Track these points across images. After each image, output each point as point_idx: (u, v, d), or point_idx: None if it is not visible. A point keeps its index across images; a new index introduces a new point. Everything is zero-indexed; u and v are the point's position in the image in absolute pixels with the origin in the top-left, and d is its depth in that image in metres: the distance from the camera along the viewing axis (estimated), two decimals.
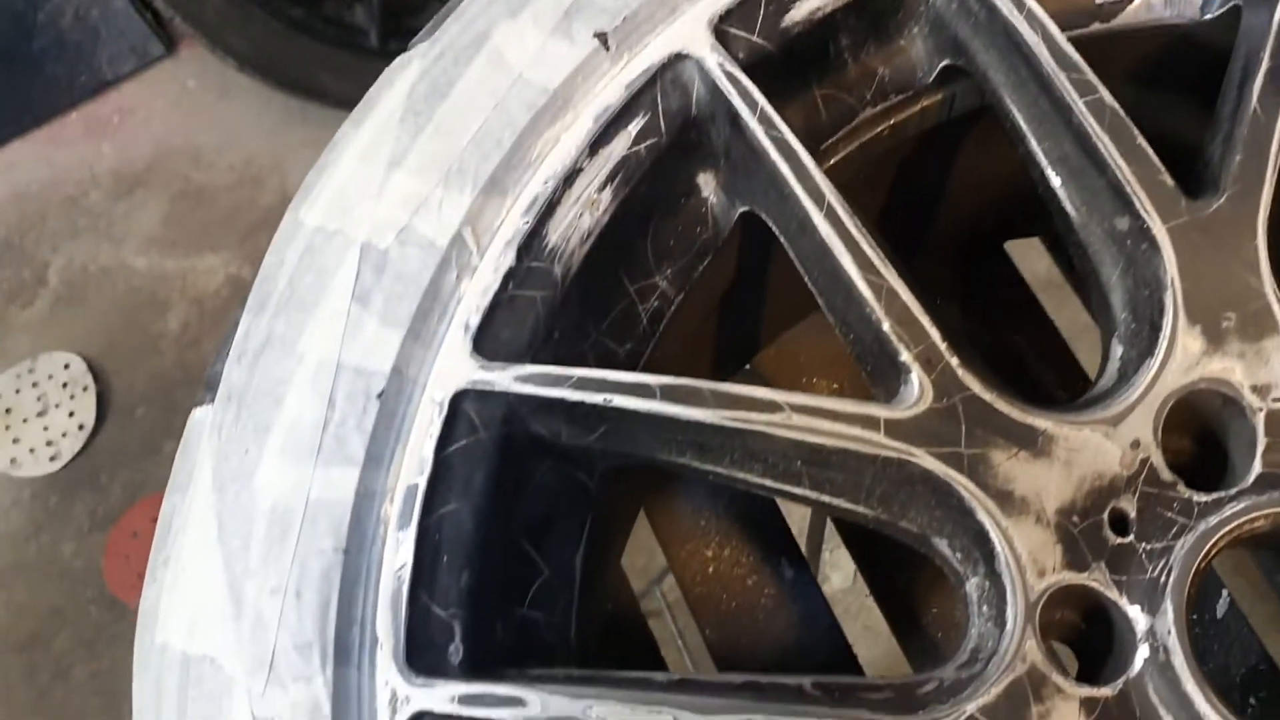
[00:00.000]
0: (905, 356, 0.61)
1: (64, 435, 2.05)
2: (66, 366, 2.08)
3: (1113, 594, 0.60)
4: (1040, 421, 0.61)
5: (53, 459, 2.04)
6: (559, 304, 0.62)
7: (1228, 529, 0.60)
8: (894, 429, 0.59)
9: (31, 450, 2.04)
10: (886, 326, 0.61)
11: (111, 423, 2.07)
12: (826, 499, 0.61)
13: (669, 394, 0.58)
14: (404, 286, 0.59)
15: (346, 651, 0.54)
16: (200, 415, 0.59)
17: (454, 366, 0.58)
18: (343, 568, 0.55)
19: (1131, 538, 0.61)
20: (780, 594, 0.92)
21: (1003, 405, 0.61)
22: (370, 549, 0.55)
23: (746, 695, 0.55)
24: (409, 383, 0.58)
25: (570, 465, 0.62)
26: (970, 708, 0.56)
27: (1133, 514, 0.62)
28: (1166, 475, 0.62)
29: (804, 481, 0.61)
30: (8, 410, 2.07)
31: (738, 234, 0.68)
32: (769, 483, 0.61)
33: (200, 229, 2.19)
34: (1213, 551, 0.61)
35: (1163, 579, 0.60)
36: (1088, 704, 0.58)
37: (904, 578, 0.91)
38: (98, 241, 2.19)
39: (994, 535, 0.60)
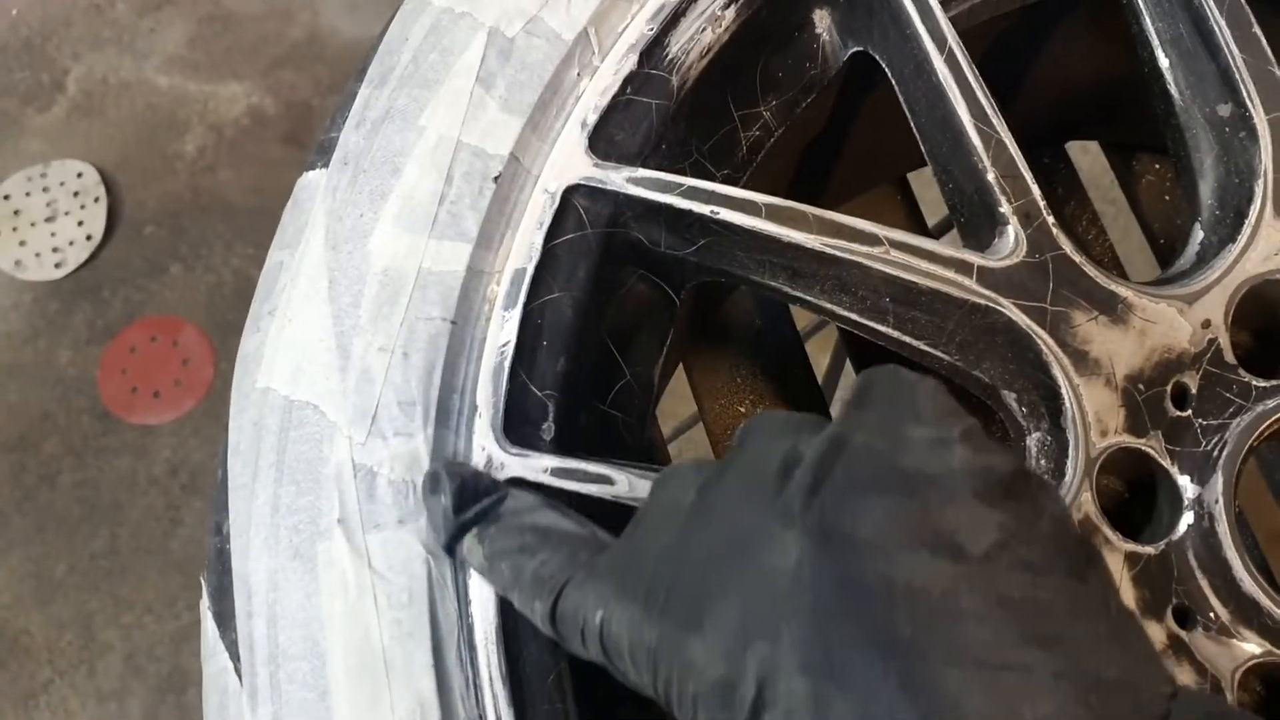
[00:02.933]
0: (1005, 209, 0.62)
1: (70, 244, 2.03)
2: (79, 175, 2.06)
3: (1166, 462, 0.63)
4: (1122, 290, 0.63)
5: (57, 266, 2.03)
6: (671, 115, 0.62)
7: None
8: (986, 277, 0.61)
9: (37, 255, 2.03)
10: (991, 177, 0.62)
11: (119, 238, 2.06)
12: (908, 339, 0.63)
13: (774, 214, 0.59)
14: (527, 76, 0.60)
15: (446, 415, 0.55)
16: (312, 178, 0.60)
17: (568, 161, 0.59)
18: (449, 337, 0.56)
19: (1190, 412, 0.64)
20: None
21: (1090, 268, 0.63)
22: (475, 324, 0.57)
23: None
24: (524, 171, 0.59)
25: (662, 277, 0.63)
26: None
27: (1194, 389, 0.64)
28: (1230, 358, 0.64)
29: (889, 319, 0.63)
30: (16, 212, 2.05)
31: (842, 76, 0.69)
32: (855, 316, 0.63)
33: (225, 55, 2.16)
34: (1265, 433, 0.63)
35: (1215, 453, 0.62)
36: (1131, 558, 0.60)
37: None
38: (120, 54, 2.15)
39: (1065, 392, 0.62)
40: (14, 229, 2.04)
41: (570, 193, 0.59)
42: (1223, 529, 0.61)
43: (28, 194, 2.06)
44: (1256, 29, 0.64)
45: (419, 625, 0.52)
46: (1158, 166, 1.01)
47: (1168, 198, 1.00)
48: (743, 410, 0.98)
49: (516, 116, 0.59)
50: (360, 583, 0.52)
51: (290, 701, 0.51)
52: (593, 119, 0.60)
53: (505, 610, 0.53)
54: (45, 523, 1.94)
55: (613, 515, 0.56)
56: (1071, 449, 0.62)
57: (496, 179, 0.58)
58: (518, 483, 0.54)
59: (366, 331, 0.55)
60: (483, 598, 0.53)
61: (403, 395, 0.55)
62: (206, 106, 2.12)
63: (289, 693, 0.51)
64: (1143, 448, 0.63)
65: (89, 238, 2.04)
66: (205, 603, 0.55)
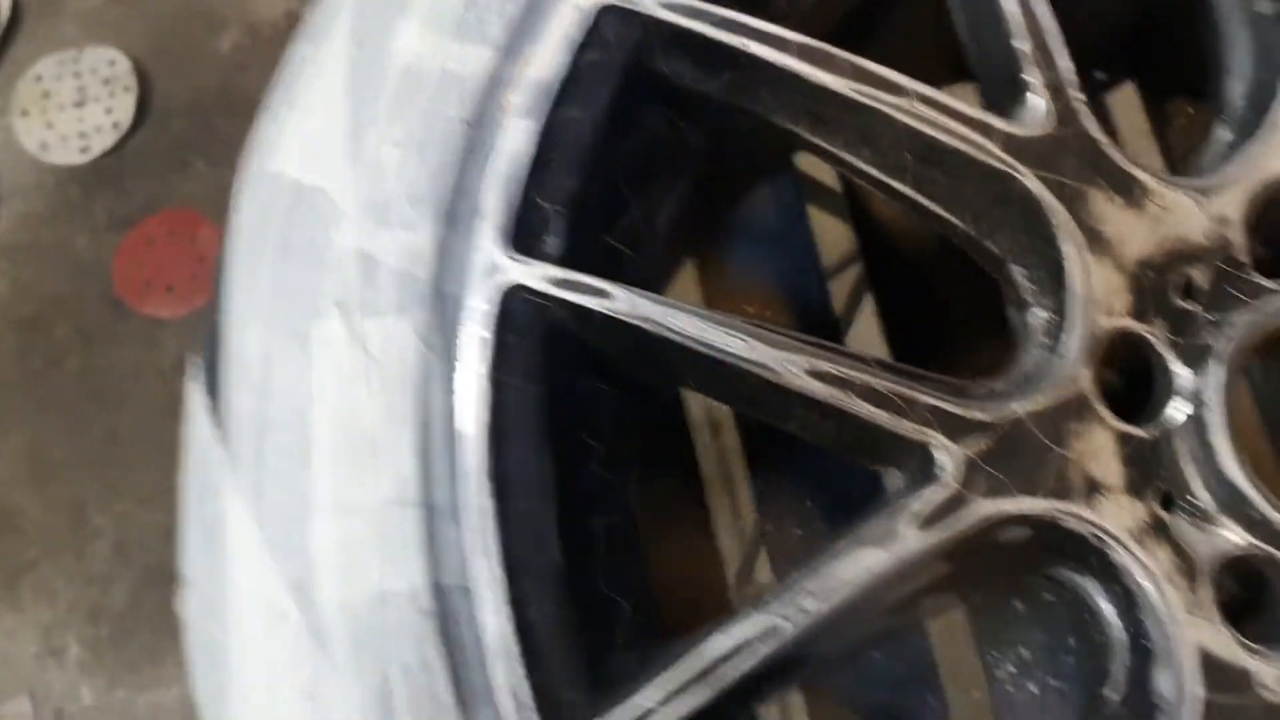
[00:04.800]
0: (1035, 79, 0.62)
1: (97, 130, 2.03)
2: (111, 63, 2.06)
3: (1167, 350, 0.63)
4: (1142, 175, 0.63)
5: (83, 150, 2.03)
6: None
7: None
8: (1009, 143, 0.61)
9: (63, 138, 2.03)
10: (1025, 45, 0.62)
11: (146, 129, 2.06)
12: (924, 201, 0.63)
13: (805, 53, 0.59)
14: None
15: (453, 215, 0.55)
16: None
17: None
18: (463, 139, 0.56)
19: (1196, 304, 0.64)
20: None
21: (1112, 150, 0.62)
22: (491, 129, 0.57)
23: (813, 345, 0.57)
24: None
25: (682, 114, 0.63)
26: (1018, 408, 0.59)
27: (1203, 283, 0.64)
28: (1243, 255, 0.64)
29: (908, 178, 0.62)
30: (46, 94, 2.05)
31: None
32: (873, 171, 0.62)
33: None
34: (1269, 333, 0.63)
35: (1216, 346, 0.62)
36: (1123, 438, 0.60)
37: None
38: None
39: (1073, 268, 0.61)
40: (43, 111, 2.04)
41: (603, 11, 0.58)
42: (1215, 420, 0.60)
43: (59, 77, 2.06)
44: None
45: (408, 411, 0.52)
46: (1190, 111, 1.01)
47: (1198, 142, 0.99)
48: (750, 310, 0.98)
49: None
50: (354, 364, 0.52)
51: (273, 471, 0.51)
52: None
53: (495, 407, 0.53)
54: (47, 405, 1.95)
55: (611, 330, 0.56)
56: (1075, 326, 0.61)
57: None
58: (517, 290, 0.54)
59: (383, 125, 0.55)
60: (471, 393, 0.53)
61: (412, 190, 0.55)
62: (246, 6, 2.11)
63: (272, 463, 0.51)
64: (1145, 333, 0.62)
65: (115, 125, 2.04)
66: (194, 372, 0.55)
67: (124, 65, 2.08)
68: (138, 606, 1.85)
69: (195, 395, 0.54)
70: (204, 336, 0.56)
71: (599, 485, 0.58)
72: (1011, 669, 0.89)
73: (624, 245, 0.62)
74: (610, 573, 0.56)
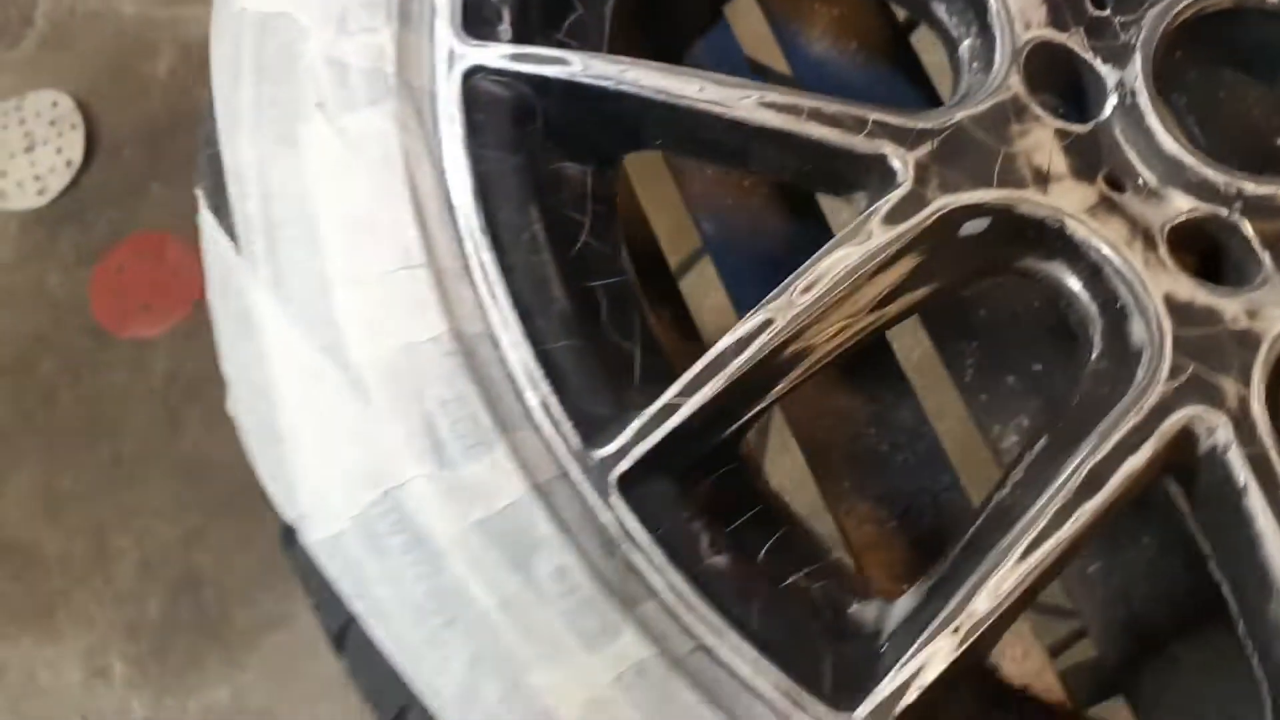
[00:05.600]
0: None
1: (51, 171, 2.07)
2: (54, 104, 2.09)
3: (1088, 54, 0.67)
4: None
5: (40, 193, 2.06)
6: None
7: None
8: None
9: (19, 184, 2.06)
10: None
11: (98, 162, 2.09)
12: None
13: None
14: None
15: (407, 15, 0.59)
16: None
17: None
18: None
19: (1108, 11, 0.68)
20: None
21: None
22: None
23: (763, 83, 0.62)
24: None
25: None
26: (960, 115, 0.63)
27: None
28: None
29: None
30: None
31: None
32: None
33: None
34: (1177, 20, 0.67)
35: (1133, 40, 0.67)
36: (1061, 133, 0.65)
37: None
38: None
39: None
40: None
41: None
42: (1145, 103, 0.65)
43: (4, 127, 2.09)
44: None
45: (399, 188, 0.56)
46: None
47: None
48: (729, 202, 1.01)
49: None
50: (341, 155, 0.56)
51: (288, 261, 0.55)
52: None
53: (478, 175, 0.57)
54: (49, 440, 1.98)
55: (571, 96, 0.60)
56: (998, 43, 0.66)
57: None
58: (476, 70, 0.58)
59: None
60: (454, 166, 0.57)
61: None
62: (177, 30, 2.15)
63: (285, 254, 0.55)
64: (1065, 41, 0.67)
65: (69, 164, 2.08)
66: (202, 203, 0.59)
67: (67, 105, 2.11)
68: (172, 615, 1.88)
69: (205, 219, 0.58)
70: (201, 169, 0.60)
71: (592, 252, 0.62)
72: (1014, 438, 0.94)
73: (573, 39, 0.66)
74: (616, 324, 0.61)
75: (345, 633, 0.53)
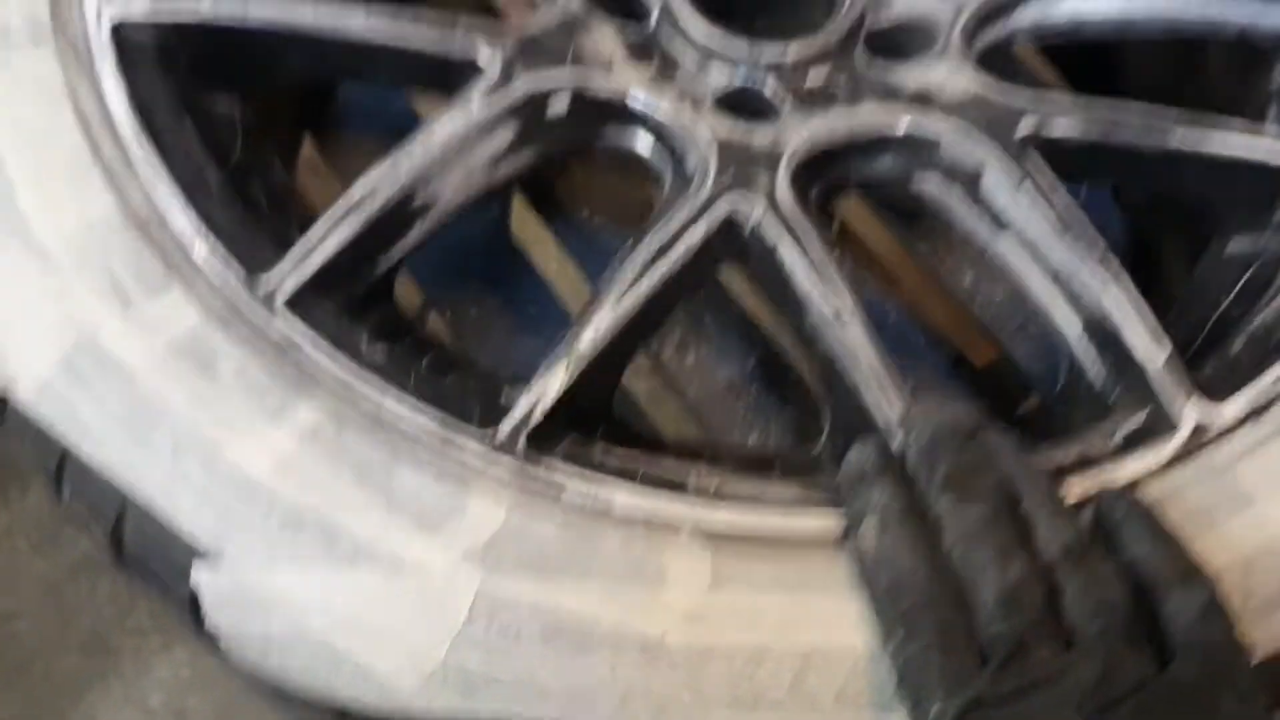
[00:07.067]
0: None
1: None
2: None
3: None
4: None
5: None
6: None
7: None
8: None
9: None
10: None
11: None
12: None
13: None
14: None
15: None
16: None
17: None
18: None
19: None
20: None
21: None
22: None
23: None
24: None
25: None
26: (533, 26, 0.79)
27: None
28: None
29: None
30: None
31: None
32: None
33: None
34: None
35: None
36: (622, 37, 0.82)
37: None
38: None
39: None
40: None
41: None
42: (683, 8, 0.83)
43: None
44: None
45: (64, 107, 0.67)
46: None
47: None
48: None
49: None
50: (10, 86, 0.67)
51: None
52: None
53: (134, 98, 0.69)
54: None
55: (207, 35, 0.73)
56: None
57: None
58: (123, 23, 0.70)
59: None
60: (112, 92, 0.68)
61: None
62: None
63: None
64: None
65: None
66: None
67: None
68: None
69: None
70: None
71: (249, 158, 0.74)
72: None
73: None
74: (274, 209, 0.73)
75: (62, 467, 0.61)
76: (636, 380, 1.10)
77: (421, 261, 0.88)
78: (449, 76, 0.77)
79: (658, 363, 1.10)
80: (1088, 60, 1.15)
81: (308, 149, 1.09)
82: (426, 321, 1.00)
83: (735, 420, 1.08)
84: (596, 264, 0.93)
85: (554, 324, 0.82)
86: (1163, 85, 1.05)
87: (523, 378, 0.66)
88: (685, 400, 1.09)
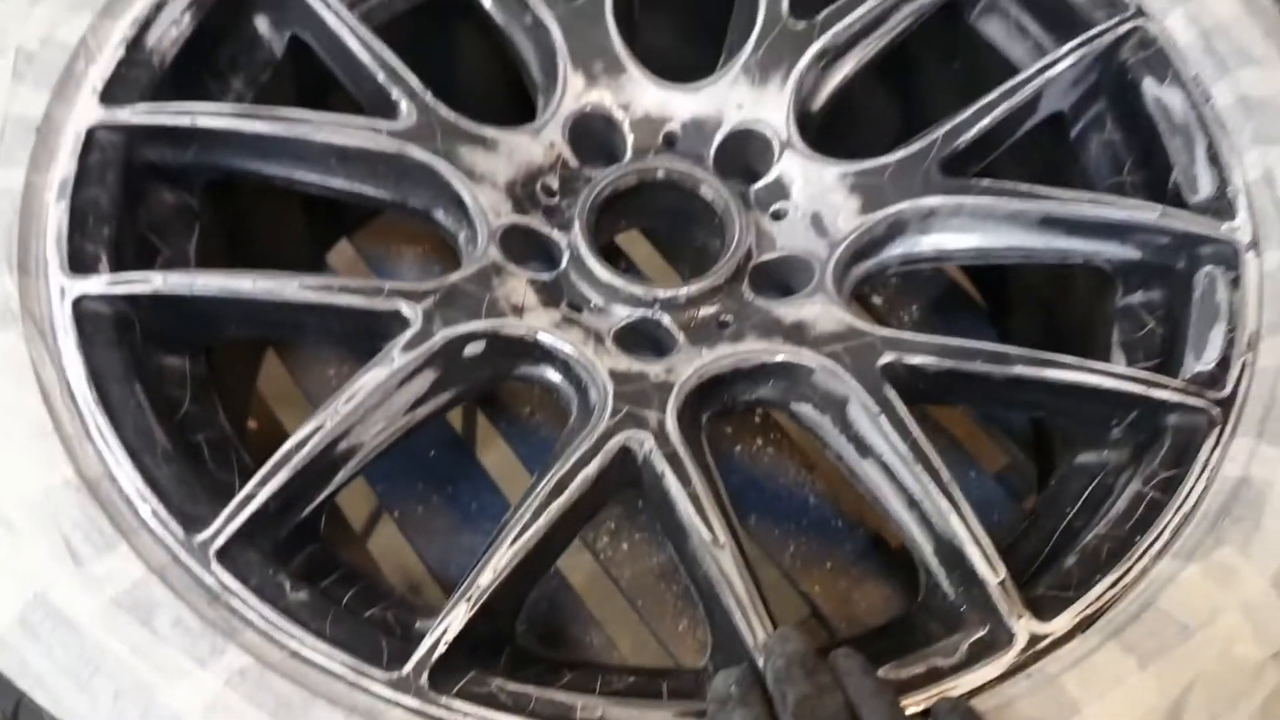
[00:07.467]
0: (396, 94, 0.95)
1: None
2: None
3: (546, 228, 0.96)
4: (489, 131, 0.97)
5: None
6: (158, 82, 0.93)
7: (610, 182, 0.98)
8: (394, 135, 0.94)
9: None
10: (382, 77, 0.95)
11: None
12: (355, 187, 0.95)
13: (243, 113, 0.90)
14: (49, 69, 0.89)
15: (26, 267, 0.81)
16: None
17: (88, 113, 0.88)
18: (19, 223, 0.82)
19: (556, 198, 0.98)
20: None
21: (464, 121, 0.97)
22: (38, 213, 0.83)
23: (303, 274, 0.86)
24: (57, 122, 0.87)
25: (176, 183, 0.93)
26: (454, 277, 0.89)
27: (555, 184, 0.99)
28: (573, 162, 1.00)
29: (339, 174, 0.94)
30: None
31: (290, 53, 1.02)
32: (316, 178, 0.94)
33: None
34: (603, 195, 0.97)
35: (573, 215, 0.96)
36: (532, 281, 0.92)
37: None
38: None
39: (466, 196, 0.94)
40: None
41: (93, 130, 0.87)
42: (584, 252, 0.93)
43: None
44: None
45: (28, 383, 0.76)
46: None
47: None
48: (330, 372, 1.25)
49: (44, 92, 0.88)
50: None
51: None
52: (100, 85, 0.89)
53: (90, 367, 0.78)
54: None
55: (158, 305, 0.83)
56: (479, 227, 0.93)
57: (37, 128, 0.86)
58: (82, 298, 0.80)
59: None
60: (71, 363, 0.78)
61: None
62: None
63: None
64: (528, 223, 0.96)
65: None
66: None
67: None
68: None
69: None
70: None
71: (192, 416, 0.84)
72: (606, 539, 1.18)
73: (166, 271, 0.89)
74: (216, 460, 0.82)
75: (18, 709, 0.69)
76: (575, 571, 1.18)
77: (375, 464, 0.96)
78: (375, 333, 0.87)
79: (594, 552, 1.18)
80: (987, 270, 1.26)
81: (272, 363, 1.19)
82: (372, 531, 1.08)
83: (667, 607, 1.15)
84: (537, 459, 1.01)
85: (495, 518, 0.89)
86: (1044, 297, 1.16)
87: (435, 609, 0.74)
88: (620, 587, 1.17)
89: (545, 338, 0.88)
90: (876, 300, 1.31)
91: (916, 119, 1.01)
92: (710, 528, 0.76)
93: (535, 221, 0.97)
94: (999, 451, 1.23)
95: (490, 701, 0.69)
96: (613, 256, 1.29)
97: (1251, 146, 0.88)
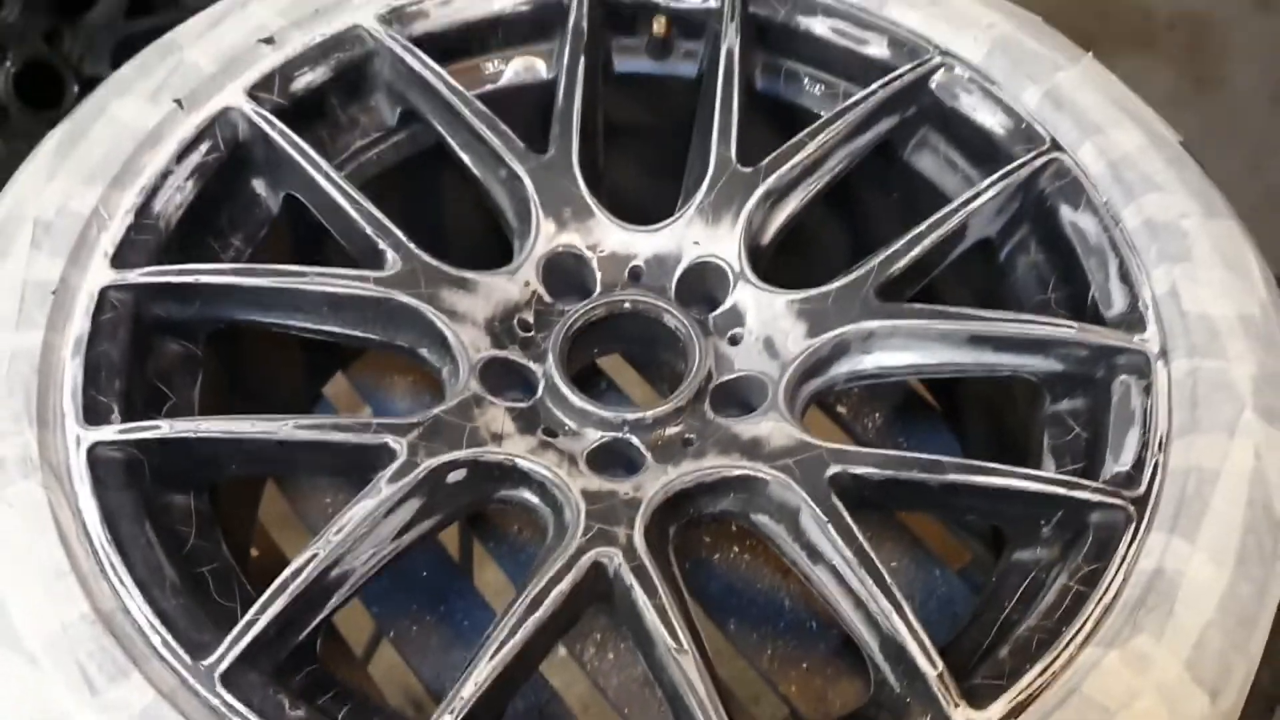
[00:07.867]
0: (382, 245, 1.05)
1: None
2: None
3: (522, 359, 1.05)
4: (469, 274, 1.06)
5: None
6: (164, 245, 1.02)
7: (581, 314, 1.06)
8: (380, 282, 1.03)
9: None
10: (369, 230, 1.05)
11: None
12: (347, 330, 1.03)
13: (240, 271, 0.99)
14: (64, 237, 0.98)
15: (45, 419, 0.89)
16: None
17: (99, 275, 0.97)
18: (38, 380, 0.91)
19: (532, 332, 1.07)
20: None
21: (443, 266, 1.06)
22: (55, 370, 0.92)
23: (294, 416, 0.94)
24: (72, 285, 0.96)
25: (181, 334, 1.01)
26: (437, 410, 0.97)
27: (530, 319, 1.07)
28: (547, 298, 1.08)
29: (330, 320, 1.03)
30: None
31: (285, 211, 1.12)
32: (311, 324, 1.02)
33: None
34: (575, 327, 1.06)
35: (547, 346, 1.05)
36: (510, 410, 1.00)
37: None
38: None
39: (448, 334, 1.03)
40: None
41: (105, 290, 0.96)
42: (558, 380, 1.02)
43: None
44: (503, 127, 1.12)
45: (48, 528, 0.84)
46: None
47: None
48: (327, 500, 1.32)
49: (60, 259, 0.97)
50: (6, 513, 0.84)
51: None
52: (111, 250, 0.98)
53: (103, 509, 0.85)
54: None
55: (166, 448, 0.91)
56: (460, 362, 1.02)
57: (54, 292, 0.95)
58: (96, 445, 0.88)
59: None
60: (90, 506, 0.85)
61: (11, 414, 0.88)
62: None
63: None
64: (505, 356, 1.04)
65: None
66: None
67: None
68: None
69: None
70: None
71: (197, 549, 0.91)
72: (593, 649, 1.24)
73: (173, 417, 0.97)
74: (220, 590, 0.89)
75: None
76: (563, 680, 1.24)
77: (371, 588, 1.03)
78: (365, 465, 0.94)
79: (581, 662, 1.24)
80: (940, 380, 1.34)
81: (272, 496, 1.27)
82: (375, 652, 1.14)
83: (652, 713, 1.20)
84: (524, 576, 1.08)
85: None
86: (992, 404, 1.23)
87: None
88: (607, 696, 1.23)
89: (523, 463, 0.96)
90: (841, 410, 1.39)
91: (863, 247, 1.10)
92: (675, 635, 0.83)
93: (513, 354, 1.05)
94: (962, 549, 1.29)
95: None
96: (594, 379, 1.38)
97: (1158, 264, 0.97)
